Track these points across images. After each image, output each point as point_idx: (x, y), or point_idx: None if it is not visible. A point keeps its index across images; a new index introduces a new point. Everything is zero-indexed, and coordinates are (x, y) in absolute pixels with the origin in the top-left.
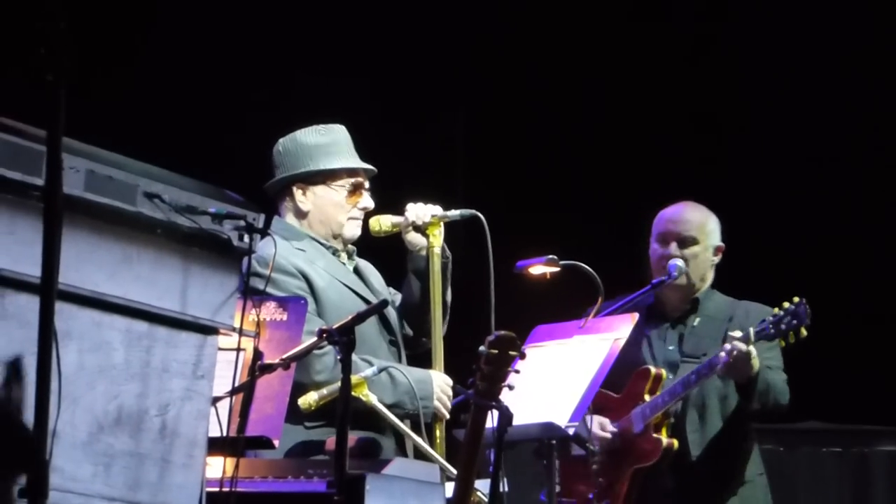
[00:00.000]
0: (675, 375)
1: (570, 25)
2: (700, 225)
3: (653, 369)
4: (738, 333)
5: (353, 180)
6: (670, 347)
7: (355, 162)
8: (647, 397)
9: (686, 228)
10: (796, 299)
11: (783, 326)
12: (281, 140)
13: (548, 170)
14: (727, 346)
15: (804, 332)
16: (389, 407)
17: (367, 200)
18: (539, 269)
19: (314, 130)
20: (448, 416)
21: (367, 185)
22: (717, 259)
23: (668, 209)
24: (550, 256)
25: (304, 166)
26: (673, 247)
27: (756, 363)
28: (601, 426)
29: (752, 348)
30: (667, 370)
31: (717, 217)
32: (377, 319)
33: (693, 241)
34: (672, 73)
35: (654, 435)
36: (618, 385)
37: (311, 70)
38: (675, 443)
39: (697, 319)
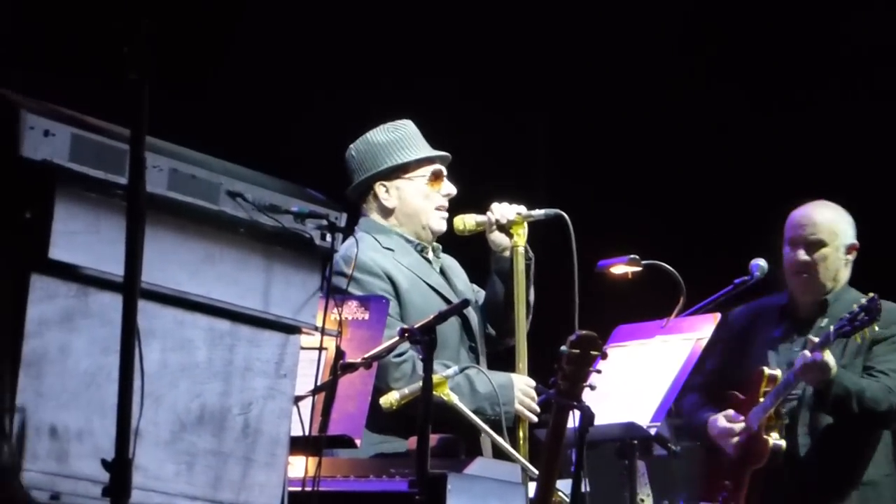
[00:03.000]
0: None
1: (656, 23)
2: (828, 226)
3: (767, 371)
4: (814, 341)
5: (431, 168)
6: (796, 349)
7: (430, 151)
8: (761, 399)
9: (812, 231)
10: (871, 294)
11: (857, 323)
12: (352, 145)
13: (631, 168)
14: (805, 351)
15: (876, 328)
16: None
17: (448, 186)
18: (621, 268)
19: (383, 129)
20: (535, 419)
21: (445, 171)
22: (850, 258)
23: (797, 211)
24: (632, 256)
25: (382, 164)
26: (801, 252)
27: (832, 368)
28: (727, 418)
29: (824, 354)
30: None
31: (849, 215)
32: (459, 323)
33: (820, 244)
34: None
35: (764, 436)
36: (747, 386)
37: (395, 70)
38: (784, 444)
39: (825, 320)
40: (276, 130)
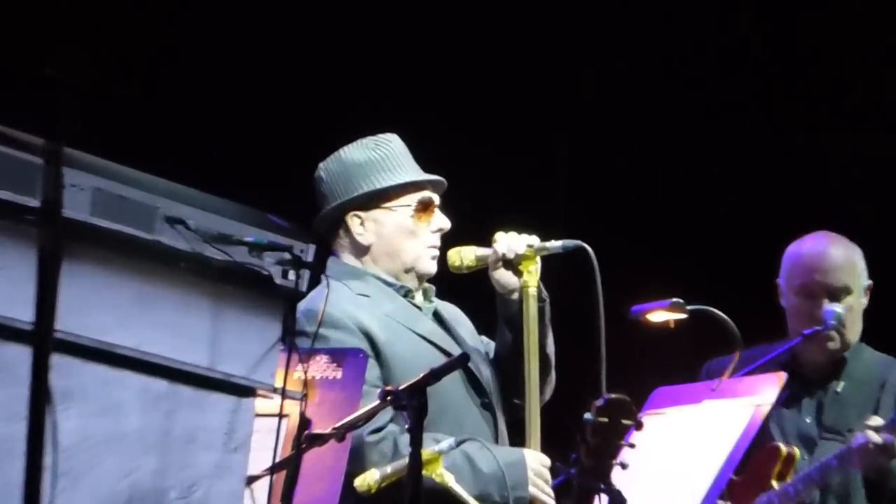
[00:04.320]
0: (811, 456)
1: (686, 49)
2: (850, 268)
3: (783, 448)
4: (876, 420)
5: (419, 196)
6: (807, 419)
7: (418, 174)
8: (775, 483)
9: (837, 278)
10: None
11: None
12: (322, 164)
13: (665, 196)
14: (860, 435)
15: None
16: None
17: (441, 219)
18: (661, 315)
19: (362, 145)
20: None
21: (437, 200)
22: (866, 302)
23: (807, 251)
24: (675, 300)
25: (357, 189)
26: (824, 303)
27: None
28: None
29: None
30: (801, 448)
31: (860, 249)
32: (463, 378)
33: (846, 291)
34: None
35: None
36: (749, 465)
37: (386, 80)
38: None
39: (842, 384)
40: (231, 142)
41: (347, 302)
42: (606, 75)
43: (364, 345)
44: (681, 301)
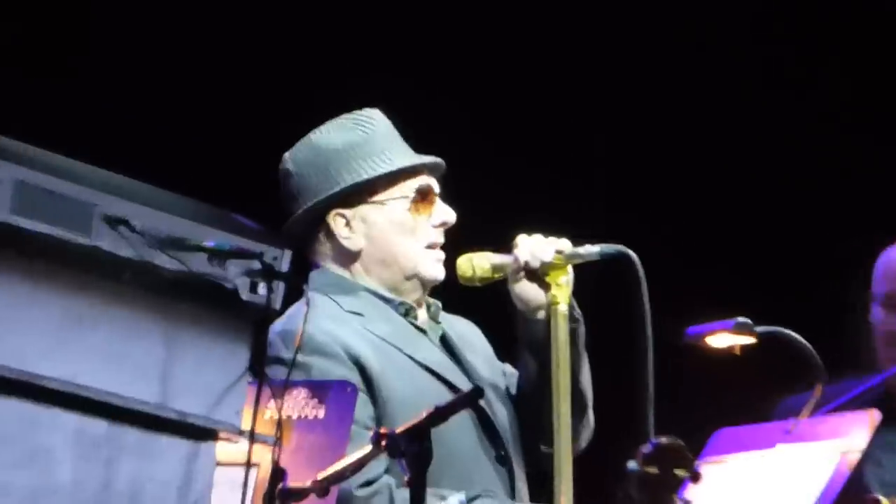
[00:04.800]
0: None
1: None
2: None
3: (884, 501)
4: None
5: (415, 184)
6: None
7: (411, 157)
8: None
9: None
10: None
11: None
12: (289, 154)
13: (726, 199)
14: None
15: None
16: None
17: (443, 210)
18: (723, 338)
19: (338, 126)
20: None
21: (437, 188)
22: None
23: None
24: (741, 320)
25: (338, 182)
26: None
27: None
28: None
29: None
30: None
31: None
32: (474, 421)
33: None
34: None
35: None
36: None
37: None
38: None
39: None
40: (186, 125)
41: (334, 321)
42: (656, 64)
43: (354, 376)
44: (748, 321)
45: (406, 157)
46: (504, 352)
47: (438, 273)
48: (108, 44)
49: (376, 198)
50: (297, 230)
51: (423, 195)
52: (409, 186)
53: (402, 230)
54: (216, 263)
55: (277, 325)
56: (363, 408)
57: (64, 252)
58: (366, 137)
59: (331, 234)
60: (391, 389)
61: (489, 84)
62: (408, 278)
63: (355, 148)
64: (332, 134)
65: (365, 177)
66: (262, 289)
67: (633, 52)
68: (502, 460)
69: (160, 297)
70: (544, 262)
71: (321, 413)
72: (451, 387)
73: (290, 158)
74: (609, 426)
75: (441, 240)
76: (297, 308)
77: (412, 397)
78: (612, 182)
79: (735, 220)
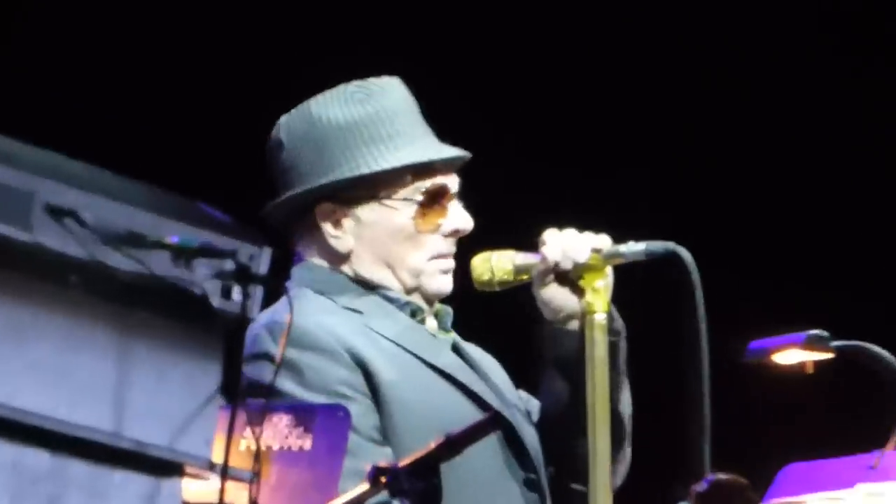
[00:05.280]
0: None
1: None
2: None
3: None
4: None
5: (426, 183)
6: None
7: (428, 147)
8: None
9: None
10: None
11: None
12: (284, 120)
13: (792, 199)
14: None
15: None
16: None
17: (458, 216)
18: (793, 354)
19: (344, 96)
20: None
21: (454, 187)
22: None
23: None
24: (815, 332)
25: (334, 167)
26: None
27: None
28: None
29: None
30: None
31: None
32: (500, 439)
33: None
34: None
35: None
36: None
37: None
38: None
39: None
40: (146, 100)
41: (328, 313)
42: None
43: (356, 378)
44: (824, 334)
45: (419, 146)
46: (519, 377)
47: (444, 286)
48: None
49: (378, 195)
50: (278, 216)
51: (434, 198)
52: (419, 186)
53: (403, 238)
54: (181, 264)
55: (263, 318)
56: (366, 416)
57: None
58: (374, 116)
59: (315, 229)
60: (402, 398)
61: (517, 67)
62: (408, 292)
63: (360, 128)
64: (336, 106)
65: (365, 170)
66: (236, 294)
67: (687, 43)
68: (532, 485)
69: (114, 303)
70: (578, 263)
71: (307, 443)
72: (472, 397)
73: (283, 126)
74: (652, 460)
75: (452, 250)
76: (284, 301)
77: (427, 407)
78: (657, 173)
79: (803, 216)
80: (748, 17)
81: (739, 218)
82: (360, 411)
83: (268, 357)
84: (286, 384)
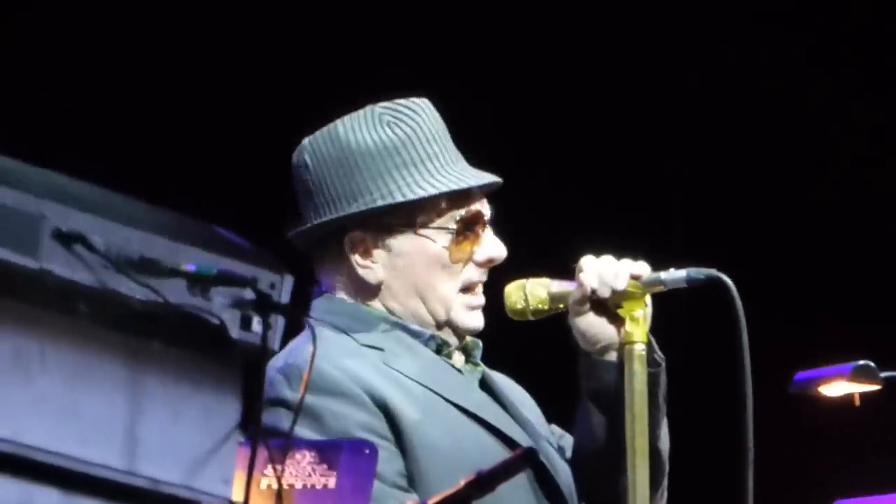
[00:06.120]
0: None
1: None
2: None
3: None
4: None
5: (461, 211)
6: None
7: (463, 173)
8: None
9: None
10: None
11: None
12: (309, 142)
13: (837, 218)
14: None
15: None
16: None
17: (491, 245)
18: (839, 385)
19: (373, 119)
20: None
21: (487, 214)
22: None
23: None
24: (862, 363)
25: (362, 195)
26: None
27: None
28: None
29: None
30: None
31: None
32: (531, 479)
33: None
34: None
35: None
36: None
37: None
38: None
39: None
40: (161, 118)
41: (348, 356)
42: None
43: (378, 422)
44: (870, 365)
45: (454, 172)
46: (551, 408)
47: (475, 323)
48: (58, 20)
49: (410, 223)
50: (305, 242)
51: (469, 226)
52: (454, 214)
53: (437, 267)
54: (197, 292)
55: (278, 361)
56: (390, 462)
57: (3, 278)
58: (405, 139)
59: (343, 259)
60: (428, 441)
61: (549, 90)
62: (438, 326)
63: (391, 154)
64: (365, 129)
65: (399, 198)
66: (255, 324)
67: (726, 63)
68: None
69: (126, 334)
70: (617, 290)
71: (332, 481)
72: (501, 437)
73: (308, 148)
74: (693, 496)
75: (483, 279)
76: (301, 341)
77: (454, 448)
78: (692, 196)
79: (852, 245)
80: (776, 47)
81: (784, 245)
82: (384, 457)
83: (283, 404)
84: (304, 431)
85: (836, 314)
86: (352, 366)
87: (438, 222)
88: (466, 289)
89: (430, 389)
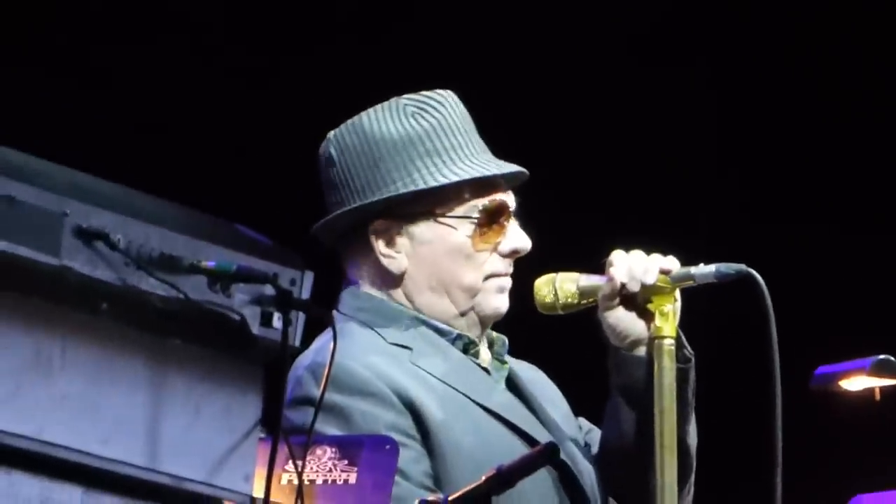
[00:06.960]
0: None
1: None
2: None
3: None
4: None
5: (485, 200)
6: None
7: (488, 163)
8: None
9: None
10: None
11: None
12: (334, 135)
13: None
14: None
15: None
16: None
17: (516, 236)
18: (860, 380)
19: (398, 111)
20: None
21: (512, 205)
22: None
23: None
24: (883, 357)
25: (387, 184)
26: None
27: None
28: None
29: None
30: None
31: None
32: (554, 479)
33: None
34: None
35: None
36: None
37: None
38: None
39: None
40: (180, 115)
41: (374, 353)
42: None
43: (405, 422)
44: (891, 359)
45: (478, 162)
46: (578, 401)
47: (501, 305)
48: (81, 16)
49: (433, 211)
50: (328, 235)
51: (493, 216)
52: (478, 203)
53: (460, 257)
54: (218, 289)
55: (306, 358)
56: (417, 462)
57: (25, 275)
58: (430, 129)
59: (368, 249)
60: (454, 441)
61: (576, 81)
62: (462, 314)
63: (414, 144)
64: (390, 120)
65: (421, 185)
66: (276, 321)
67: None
68: None
69: (147, 331)
70: (646, 285)
71: (353, 477)
72: (526, 438)
73: (334, 140)
74: (719, 492)
75: (509, 270)
76: (327, 338)
77: (479, 449)
78: (721, 192)
79: (873, 240)
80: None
81: (807, 241)
82: (411, 457)
83: (312, 402)
84: (332, 430)
85: (855, 309)
86: (380, 364)
87: (460, 210)
88: (493, 277)
89: (457, 390)
